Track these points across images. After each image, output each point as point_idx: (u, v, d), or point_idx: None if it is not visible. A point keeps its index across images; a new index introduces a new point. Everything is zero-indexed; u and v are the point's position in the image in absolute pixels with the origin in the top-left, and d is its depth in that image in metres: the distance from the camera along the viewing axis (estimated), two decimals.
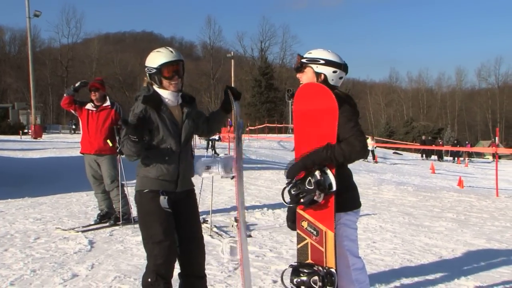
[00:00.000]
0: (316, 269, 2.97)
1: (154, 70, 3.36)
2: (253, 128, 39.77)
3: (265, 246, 6.02)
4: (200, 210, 7.00)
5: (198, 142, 19.71)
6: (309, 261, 3.06)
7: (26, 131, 40.13)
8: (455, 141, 43.90)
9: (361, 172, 16.97)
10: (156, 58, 3.37)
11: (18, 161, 16.31)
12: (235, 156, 3.37)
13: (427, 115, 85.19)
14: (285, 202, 3.09)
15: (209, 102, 73.87)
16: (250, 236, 6.50)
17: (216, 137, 18.08)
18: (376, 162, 25.54)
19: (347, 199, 3.08)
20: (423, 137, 35.78)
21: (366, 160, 23.88)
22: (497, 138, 15.70)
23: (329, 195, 2.97)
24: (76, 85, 7.00)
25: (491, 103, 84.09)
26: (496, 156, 14.80)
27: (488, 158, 40.58)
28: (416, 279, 4.80)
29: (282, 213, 8.24)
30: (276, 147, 28.65)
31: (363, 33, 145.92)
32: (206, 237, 6.35)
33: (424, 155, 34.71)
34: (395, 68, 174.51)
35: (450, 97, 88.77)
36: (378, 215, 8.41)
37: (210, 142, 14.20)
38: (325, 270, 2.96)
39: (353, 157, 2.95)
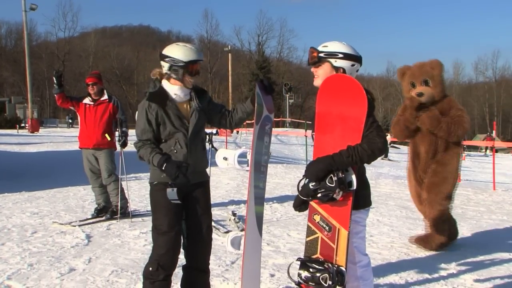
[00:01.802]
0: (327, 266, 2.89)
1: (182, 64, 3.37)
2: (249, 122, 39.67)
3: (262, 240, 6.00)
4: None
5: None
6: (318, 255, 2.99)
7: (23, 125, 40.04)
8: None
9: None
10: (187, 52, 3.39)
11: (15, 155, 16.28)
12: (251, 151, 3.30)
13: None
14: (300, 195, 2.99)
15: None
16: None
17: (214, 130, 18.03)
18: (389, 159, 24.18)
19: (361, 197, 3.01)
20: None
21: (386, 158, 23.10)
22: (494, 131, 15.71)
23: (348, 193, 2.89)
24: (55, 80, 6.94)
25: (488, 97, 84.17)
26: (493, 150, 14.81)
27: (482, 151, 40.66)
28: (413, 272, 4.81)
29: (279, 207, 8.25)
30: (273, 141, 28.45)
31: (360, 26, 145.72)
32: None
33: None
34: (392, 61, 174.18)
35: (447, 90, 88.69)
36: (375, 209, 8.41)
37: (208, 136, 14.14)
38: (335, 268, 2.88)
39: (376, 155, 2.86)
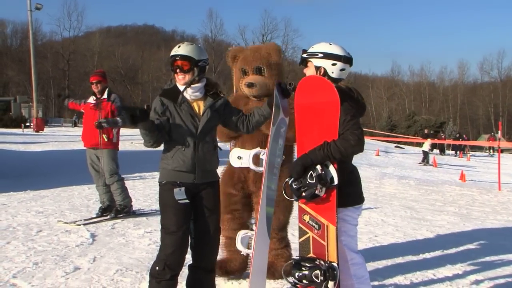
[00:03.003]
0: (317, 263, 2.96)
1: (170, 61, 3.43)
2: None
3: None
4: None
5: None
6: (311, 255, 3.06)
7: (28, 124, 40.15)
8: (457, 135, 43.80)
9: (362, 166, 16.94)
10: (173, 49, 3.44)
11: (20, 154, 16.33)
12: (266, 152, 3.31)
13: (429, 108, 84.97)
14: (287, 196, 3.09)
15: None
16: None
17: None
18: (431, 165, 22.78)
19: (347, 194, 3.07)
20: (426, 131, 35.74)
21: (424, 163, 22.63)
22: (499, 131, 15.65)
23: (331, 189, 2.96)
24: (61, 95, 7.01)
25: (494, 97, 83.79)
26: (499, 150, 14.76)
27: (487, 152, 40.53)
28: (418, 272, 4.80)
29: None
30: None
31: (365, 26, 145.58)
32: None
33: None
34: (397, 61, 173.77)
35: (452, 90, 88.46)
36: (380, 209, 8.40)
37: None
38: (327, 264, 2.95)
39: (349, 152, 2.94)
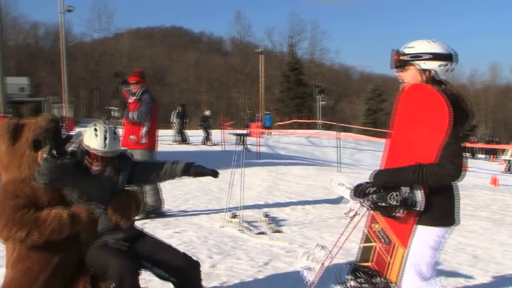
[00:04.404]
0: (375, 281, 2.73)
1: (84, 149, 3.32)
2: (281, 123, 39.69)
3: (295, 242, 5.97)
4: (230, 205, 7.02)
5: (227, 137, 19.73)
6: (371, 264, 2.82)
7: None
8: (489, 139, 42.94)
9: None
10: (90, 139, 3.27)
11: None
12: None
13: None
14: (356, 198, 2.76)
15: (237, 98, 73.99)
16: (279, 231, 6.47)
17: (246, 132, 18.08)
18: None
19: (435, 210, 2.64)
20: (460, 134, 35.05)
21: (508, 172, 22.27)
22: None
23: (412, 212, 2.63)
24: (118, 75, 7.00)
25: None
26: None
27: None
28: (451, 278, 4.70)
29: (312, 209, 8.19)
30: (304, 142, 28.45)
31: (395, 26, 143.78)
32: (235, 232, 6.37)
33: None
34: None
35: (483, 93, 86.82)
36: None
37: (240, 138, 14.17)
38: (384, 281, 2.71)
39: (444, 182, 2.59)
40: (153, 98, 7.16)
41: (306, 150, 24.26)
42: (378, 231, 2.79)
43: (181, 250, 5.29)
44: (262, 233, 6.34)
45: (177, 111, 23.11)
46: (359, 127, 42.97)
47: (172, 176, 3.68)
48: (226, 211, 7.00)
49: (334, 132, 19.02)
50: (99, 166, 3.33)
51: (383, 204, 2.62)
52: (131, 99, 7.08)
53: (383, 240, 2.76)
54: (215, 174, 3.59)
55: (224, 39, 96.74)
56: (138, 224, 6.66)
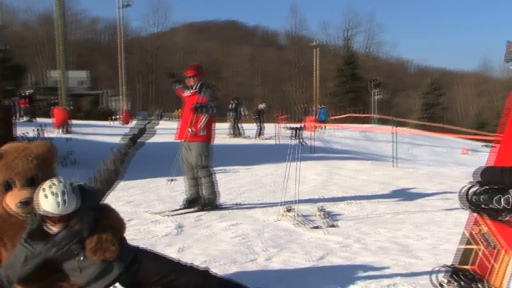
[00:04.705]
0: (478, 286, 2.63)
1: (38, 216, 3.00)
2: (336, 117, 39.32)
3: (351, 237, 5.88)
4: (284, 199, 7.00)
5: (283, 130, 19.69)
6: (472, 267, 2.71)
7: (115, 117, 41.98)
8: None
9: (449, 165, 16.28)
10: (43, 203, 2.93)
11: (107, 146, 17.05)
12: None
13: None
14: (461, 205, 2.70)
15: (291, 91, 73.79)
16: (334, 226, 6.40)
17: (299, 125, 18.00)
18: None
19: None
20: None
21: None
22: None
23: None
24: (174, 76, 7.17)
25: None
26: None
27: None
28: None
29: (367, 204, 8.05)
30: (359, 137, 28.06)
31: (451, 19, 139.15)
32: (290, 226, 6.35)
33: None
34: (487, 56, 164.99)
35: None
36: None
37: (295, 131, 14.10)
38: None
39: None
40: (212, 92, 7.19)
41: (360, 145, 23.92)
42: (483, 233, 2.66)
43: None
44: (317, 227, 6.29)
45: (232, 104, 23.28)
46: (415, 121, 41.95)
47: (116, 158, 3.69)
48: (280, 205, 6.98)
49: (390, 127, 18.61)
50: (61, 226, 3.03)
51: (488, 207, 2.49)
52: (187, 93, 7.14)
53: (488, 245, 2.63)
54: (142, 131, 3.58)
55: (279, 32, 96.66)
56: (193, 216, 6.77)
